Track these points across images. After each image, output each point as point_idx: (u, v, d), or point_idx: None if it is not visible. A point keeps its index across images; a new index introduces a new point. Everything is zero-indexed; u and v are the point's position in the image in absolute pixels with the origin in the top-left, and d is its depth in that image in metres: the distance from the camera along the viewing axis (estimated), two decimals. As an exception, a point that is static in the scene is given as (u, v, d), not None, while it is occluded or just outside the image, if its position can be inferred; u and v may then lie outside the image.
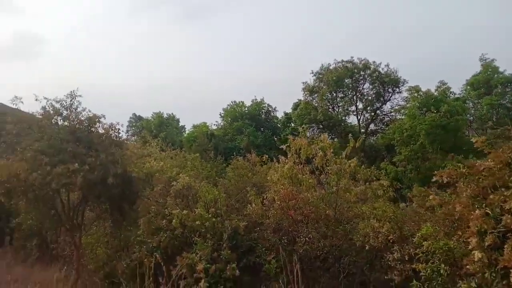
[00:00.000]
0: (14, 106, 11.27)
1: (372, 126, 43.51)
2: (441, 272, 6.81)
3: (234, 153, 22.83)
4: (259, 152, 20.69)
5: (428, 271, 6.94)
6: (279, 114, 49.33)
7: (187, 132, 56.50)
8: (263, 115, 48.40)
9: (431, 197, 7.90)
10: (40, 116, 11.59)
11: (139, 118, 63.51)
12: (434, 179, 6.90)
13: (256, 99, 48.76)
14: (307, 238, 9.27)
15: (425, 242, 7.24)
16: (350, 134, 13.20)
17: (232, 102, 49.99)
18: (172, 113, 61.69)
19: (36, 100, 11.41)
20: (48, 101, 11.63)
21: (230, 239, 9.22)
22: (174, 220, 9.74)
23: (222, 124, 50.24)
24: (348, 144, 11.82)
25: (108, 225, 13.39)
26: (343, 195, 10.89)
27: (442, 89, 32.02)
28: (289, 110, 46.56)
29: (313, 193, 10.61)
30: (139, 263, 9.40)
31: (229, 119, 48.53)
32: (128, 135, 52.91)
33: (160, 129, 52.51)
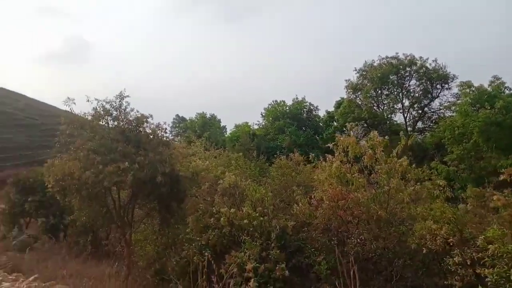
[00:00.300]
0: (66, 108, 11.69)
1: (419, 124, 41.86)
2: (510, 278, 6.30)
3: (278, 152, 22.64)
4: (301, 152, 20.41)
5: (495, 277, 6.45)
6: (321, 113, 48.59)
7: (228, 132, 57.04)
8: (304, 114, 47.65)
9: (495, 197, 7.37)
10: (91, 117, 11.98)
11: (182, 119, 65.03)
12: (501, 177, 6.38)
13: (297, 98, 48.19)
14: (358, 240, 8.94)
15: (491, 245, 6.74)
16: (401, 132, 12.65)
17: (273, 101, 49.71)
18: (214, 114, 62.62)
19: (88, 101, 11.81)
20: (98, 102, 12.00)
21: (278, 239, 9.06)
22: (222, 219, 9.72)
23: (263, 123, 50.06)
24: (399, 142, 11.32)
25: (156, 223, 13.66)
26: (395, 195, 10.42)
27: (496, 84, 30.13)
28: (331, 109, 45.76)
29: (363, 193, 10.21)
30: (188, 261, 9.46)
31: (271, 118, 48.22)
32: (172, 136, 54.20)
33: (204, 129, 53.21)
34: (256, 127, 49.93)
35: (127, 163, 10.56)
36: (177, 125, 64.23)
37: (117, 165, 10.54)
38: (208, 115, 61.60)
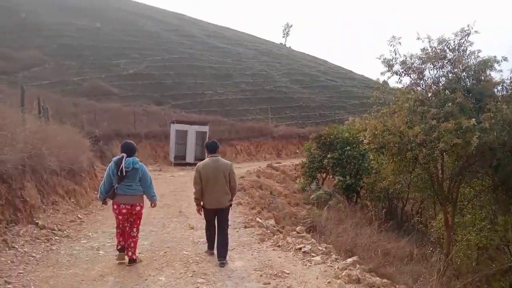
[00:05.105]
0: (390, 47, 9.39)
1: None
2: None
3: None
4: None
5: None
6: None
7: None
8: None
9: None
10: (418, 60, 9.36)
11: None
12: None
13: None
14: None
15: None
16: None
17: None
18: None
19: (418, 39, 9.21)
20: (430, 41, 9.23)
21: None
22: None
23: None
24: None
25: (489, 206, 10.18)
26: None
27: None
28: None
29: None
30: None
31: None
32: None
33: None
34: None
35: (474, 120, 7.45)
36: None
37: (458, 121, 7.60)
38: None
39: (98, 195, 5.40)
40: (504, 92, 8.92)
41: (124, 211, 5.13)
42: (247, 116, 30.77)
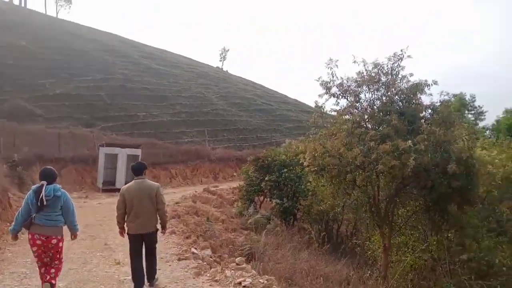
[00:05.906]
0: (328, 70, 9.41)
1: None
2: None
3: None
4: None
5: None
6: None
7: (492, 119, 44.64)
8: None
9: None
10: (355, 83, 9.47)
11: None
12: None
13: None
14: None
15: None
16: None
17: None
18: (472, 95, 48.23)
19: (354, 62, 9.32)
20: (365, 64, 9.39)
21: None
22: None
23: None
24: None
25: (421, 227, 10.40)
26: None
27: None
28: None
29: None
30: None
31: None
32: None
33: (460, 114, 42.34)
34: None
35: (410, 141, 7.54)
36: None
37: (395, 143, 7.65)
38: (467, 97, 47.56)
39: (12, 226, 4.84)
40: (435, 115, 9.22)
41: (38, 242, 4.65)
42: (183, 138, 29.89)
